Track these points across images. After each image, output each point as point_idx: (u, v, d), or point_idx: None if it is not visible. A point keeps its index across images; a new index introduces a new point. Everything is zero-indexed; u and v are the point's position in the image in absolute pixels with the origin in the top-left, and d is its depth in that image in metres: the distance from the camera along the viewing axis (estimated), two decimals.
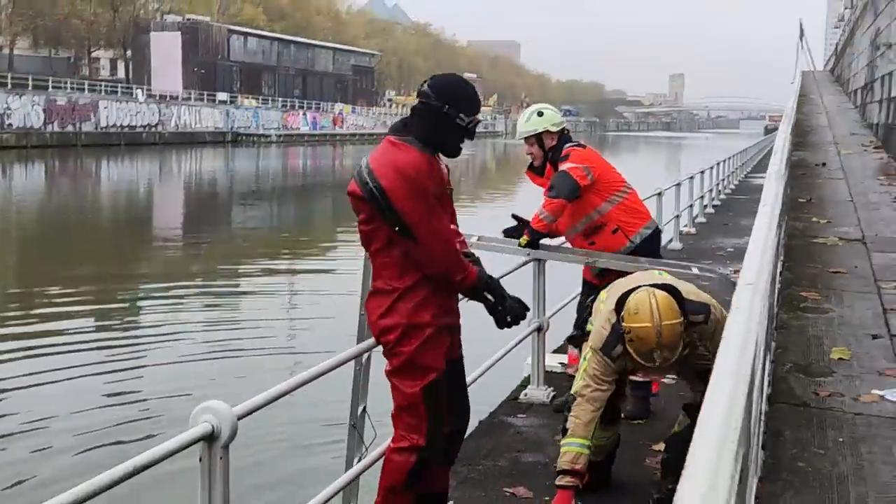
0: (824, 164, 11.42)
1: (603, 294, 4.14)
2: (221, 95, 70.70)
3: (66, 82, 56.35)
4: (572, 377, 5.54)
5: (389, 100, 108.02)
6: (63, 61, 71.84)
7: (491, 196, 31.63)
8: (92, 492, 2.10)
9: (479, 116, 3.47)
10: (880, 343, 4.78)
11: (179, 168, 47.79)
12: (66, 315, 11.65)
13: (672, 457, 3.93)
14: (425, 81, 3.52)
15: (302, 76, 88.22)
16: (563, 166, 5.02)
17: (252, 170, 46.74)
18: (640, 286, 3.63)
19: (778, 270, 5.58)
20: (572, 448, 3.75)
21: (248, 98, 74.24)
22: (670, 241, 12.14)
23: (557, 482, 3.78)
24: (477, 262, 3.56)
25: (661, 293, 3.52)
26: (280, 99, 78.78)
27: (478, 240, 5.09)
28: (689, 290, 3.74)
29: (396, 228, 3.23)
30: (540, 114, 5.25)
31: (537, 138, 5.20)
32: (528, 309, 3.65)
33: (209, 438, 2.45)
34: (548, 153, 5.21)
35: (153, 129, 59.56)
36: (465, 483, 4.45)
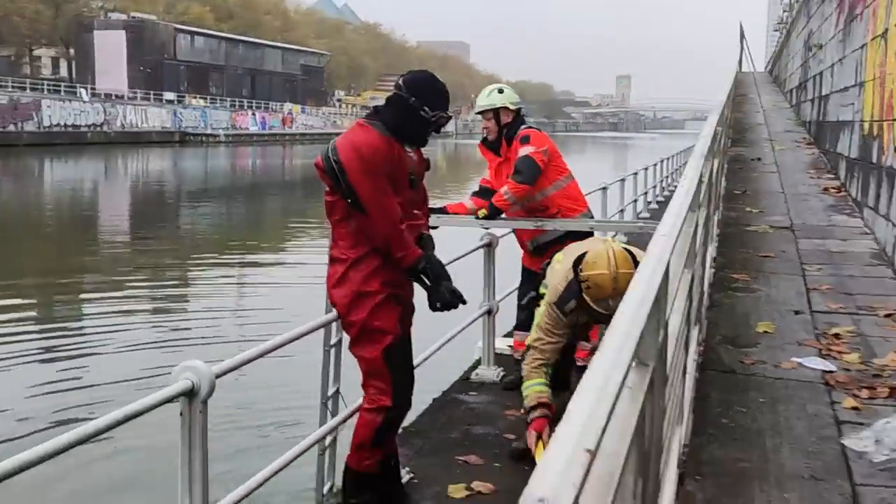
0: (759, 159, 11.92)
1: (559, 256, 4.44)
2: (169, 95, 70.05)
3: (6, 81, 55.41)
4: (519, 360, 5.88)
5: (339, 100, 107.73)
6: (3, 60, 70.57)
7: (441, 194, 31.92)
8: (76, 440, 2.29)
9: (449, 113, 3.76)
10: (801, 318, 5.19)
11: (126, 168, 47.23)
12: (8, 308, 11.61)
13: None
14: (402, 75, 3.83)
15: (250, 76, 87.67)
16: (526, 149, 5.32)
17: (200, 170, 46.35)
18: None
19: (712, 255, 5.97)
20: (533, 388, 4.10)
21: (195, 98, 73.65)
22: (615, 235, 12.53)
23: (529, 418, 4.11)
24: (427, 246, 3.83)
25: (617, 247, 3.87)
26: (228, 99, 78.21)
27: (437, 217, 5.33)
28: (640, 253, 4.08)
29: (349, 200, 3.52)
30: (500, 91, 5.57)
31: (495, 114, 5.49)
32: (461, 301, 3.85)
33: (189, 394, 2.71)
34: (503, 129, 5.50)
35: (98, 129, 58.78)
36: (419, 453, 4.73)
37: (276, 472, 3.43)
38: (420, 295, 3.91)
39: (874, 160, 7.18)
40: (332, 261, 3.71)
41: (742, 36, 22.10)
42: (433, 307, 3.82)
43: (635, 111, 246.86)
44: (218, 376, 2.77)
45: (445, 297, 3.76)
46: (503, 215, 5.61)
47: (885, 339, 4.78)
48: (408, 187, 3.76)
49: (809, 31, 15.40)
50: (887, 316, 5.17)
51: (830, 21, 11.60)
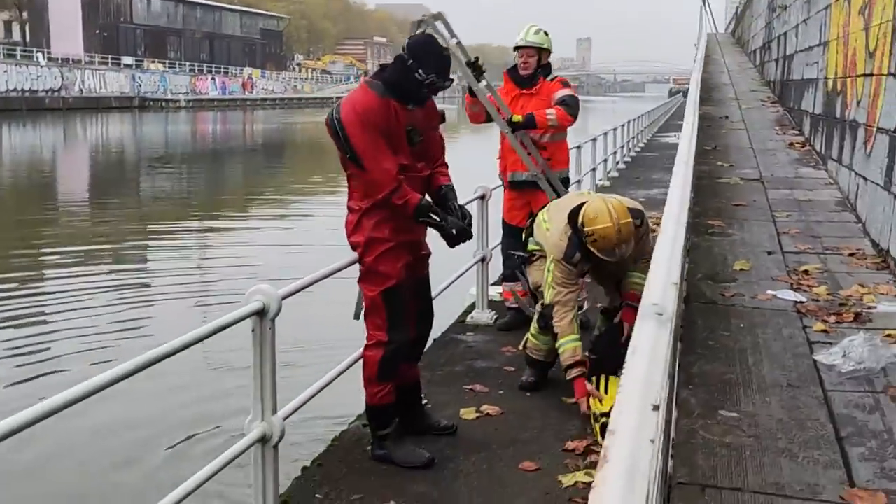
0: (727, 117, 12.43)
1: (543, 215, 4.84)
2: (127, 59, 69.19)
3: None
4: (511, 308, 6.33)
5: (298, 64, 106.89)
6: None
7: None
8: (166, 353, 2.68)
9: (451, 78, 4.07)
10: (774, 258, 5.68)
11: (85, 134, 46.67)
12: None
13: (599, 357, 4.58)
14: (409, 37, 4.14)
15: (209, 40, 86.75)
16: (568, 91, 5.75)
17: (161, 135, 45.90)
18: (587, 200, 4.37)
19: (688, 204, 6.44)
20: (568, 345, 4.42)
21: (154, 62, 72.79)
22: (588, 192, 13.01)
23: (569, 376, 4.43)
24: (448, 196, 4.13)
25: (613, 199, 4.27)
26: (188, 63, 77.42)
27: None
28: (632, 202, 4.50)
29: (348, 155, 3.86)
30: (546, 33, 5.97)
31: (538, 51, 5.87)
32: (470, 226, 4.14)
33: (260, 313, 3.10)
34: (539, 68, 5.87)
35: (56, 94, 58.01)
36: (430, 384, 5.15)
37: (330, 382, 3.89)
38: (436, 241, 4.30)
39: (838, 115, 7.67)
40: (349, 210, 4.06)
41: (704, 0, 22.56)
42: (451, 241, 4.16)
43: (596, 74, 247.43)
44: (284, 298, 3.16)
45: (458, 224, 4.05)
46: (527, 134, 5.85)
47: (849, 275, 5.29)
48: (406, 144, 4.01)
49: None
50: (851, 255, 5.68)
51: None
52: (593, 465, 4.10)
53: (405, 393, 4.32)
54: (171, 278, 11.58)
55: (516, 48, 5.95)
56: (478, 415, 4.73)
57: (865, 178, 6.22)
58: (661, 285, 1.43)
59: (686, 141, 3.03)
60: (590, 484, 3.88)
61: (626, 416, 1.06)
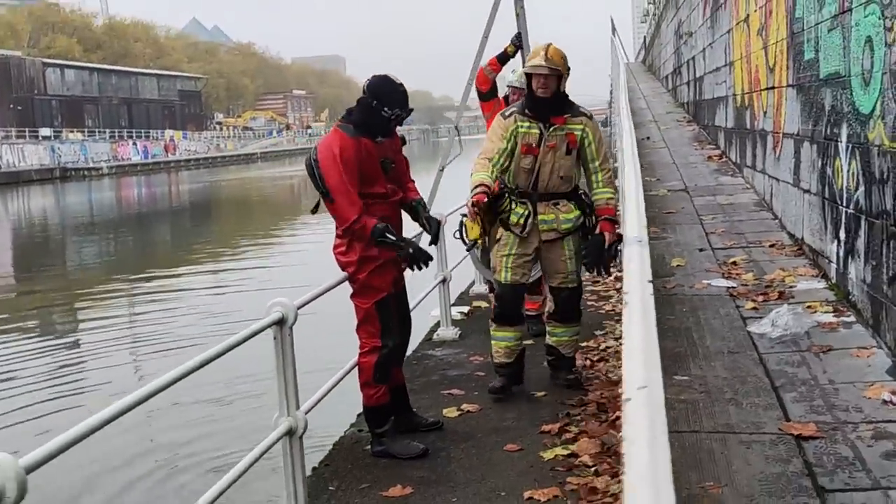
0: (648, 138, 13.27)
1: None
2: (44, 131, 68.32)
3: None
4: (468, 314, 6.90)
5: (219, 123, 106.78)
6: None
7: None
8: (200, 363, 3.15)
9: (411, 108, 4.62)
10: (705, 254, 6.38)
11: (6, 209, 45.83)
12: None
13: (592, 260, 4.98)
14: (367, 80, 4.66)
15: (127, 105, 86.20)
16: None
17: (85, 204, 45.13)
18: None
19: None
20: (477, 177, 4.90)
21: (73, 132, 72.06)
22: None
23: (472, 195, 4.86)
24: (419, 210, 4.73)
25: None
26: (107, 130, 76.78)
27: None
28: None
29: (321, 191, 4.37)
30: None
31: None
32: (428, 256, 4.66)
33: (280, 322, 3.61)
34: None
35: None
36: (411, 392, 5.62)
37: (338, 382, 4.46)
38: None
39: (748, 127, 8.48)
40: (339, 236, 4.55)
41: (613, 30, 23.68)
42: (409, 265, 4.71)
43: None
44: (299, 307, 3.67)
45: (409, 252, 4.54)
46: None
47: (771, 262, 6.00)
48: (382, 174, 4.57)
49: (679, 21, 16.95)
50: (771, 246, 6.40)
51: (698, 11, 13.05)
52: (569, 442, 4.67)
53: (395, 394, 4.83)
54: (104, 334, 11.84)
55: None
56: (459, 412, 5.27)
57: (778, 180, 6.97)
58: (637, 224, 2.00)
59: (630, 152, 3.69)
60: (567, 457, 4.48)
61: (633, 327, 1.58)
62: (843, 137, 4.97)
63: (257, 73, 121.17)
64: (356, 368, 4.75)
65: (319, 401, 4.18)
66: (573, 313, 5.32)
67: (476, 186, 4.88)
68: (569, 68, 4.97)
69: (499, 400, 5.50)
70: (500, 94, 6.64)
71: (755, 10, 7.87)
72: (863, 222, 4.59)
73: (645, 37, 56.76)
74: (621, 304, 4.81)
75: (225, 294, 15.16)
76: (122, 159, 72.86)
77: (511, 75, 6.70)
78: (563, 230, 5.04)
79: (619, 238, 4.99)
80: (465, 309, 7.87)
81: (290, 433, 3.67)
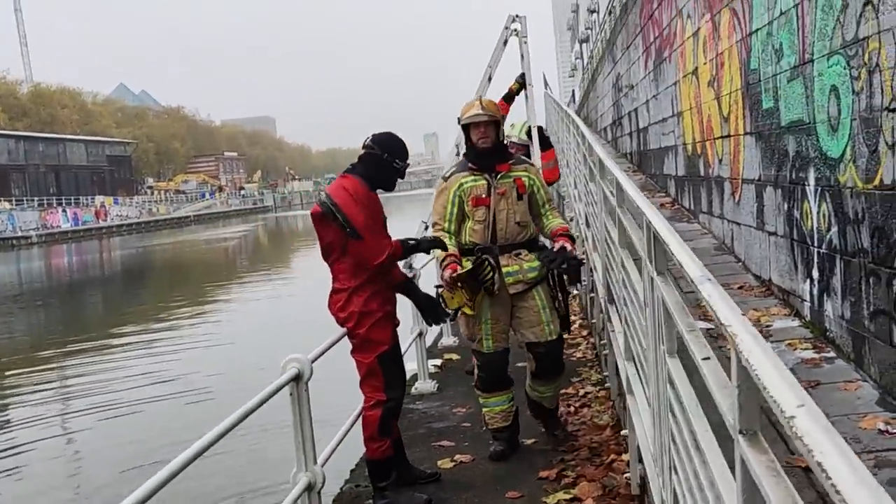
0: None
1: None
2: None
3: None
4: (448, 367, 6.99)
5: (150, 187, 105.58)
6: None
7: (266, 273, 31.89)
8: (228, 427, 3.19)
9: (409, 161, 4.81)
10: None
11: None
12: None
13: (559, 259, 4.93)
14: (368, 137, 4.77)
15: (55, 172, 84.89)
16: None
17: (13, 274, 44.06)
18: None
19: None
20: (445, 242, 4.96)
21: None
22: None
23: (443, 266, 5.00)
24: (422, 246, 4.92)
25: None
26: (35, 198, 75.40)
27: None
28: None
29: (347, 230, 4.44)
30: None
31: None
32: (446, 313, 5.01)
33: (296, 378, 3.64)
34: None
35: None
36: None
37: (348, 431, 4.62)
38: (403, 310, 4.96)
39: (701, 174, 8.78)
40: (336, 291, 4.63)
41: (546, 84, 24.25)
42: (428, 321, 4.92)
43: (444, 166, 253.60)
44: (313, 361, 3.71)
45: (431, 306, 4.86)
46: None
47: (742, 303, 6.19)
48: (385, 225, 4.78)
49: (618, 75, 17.48)
50: (739, 288, 6.61)
51: (639, 65, 13.49)
52: (569, 486, 4.76)
53: (396, 444, 4.87)
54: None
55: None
56: (453, 463, 5.33)
57: (739, 224, 7.22)
58: (694, 264, 2.11)
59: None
60: (570, 501, 4.56)
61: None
62: (811, 181, 5.22)
63: (187, 136, 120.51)
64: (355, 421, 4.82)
65: (332, 454, 4.20)
66: (555, 369, 5.22)
67: (445, 258, 4.97)
68: (503, 116, 5.20)
69: (487, 448, 5.56)
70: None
71: (704, 63, 8.21)
72: (838, 261, 4.80)
73: (574, 90, 58.01)
74: (601, 348, 4.96)
75: (160, 354, 15.14)
76: (52, 227, 71.51)
77: (511, 129, 6.93)
78: (530, 279, 5.02)
79: (579, 261, 5.14)
80: (438, 362, 7.95)
81: (309, 488, 3.69)
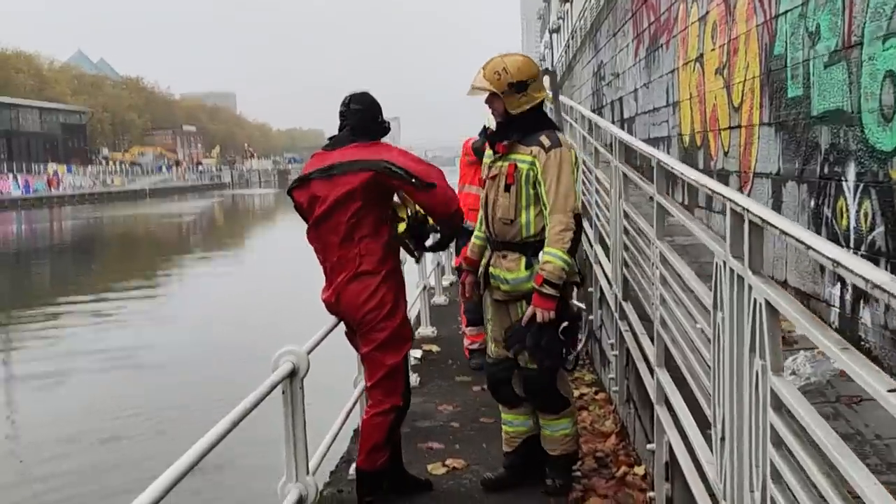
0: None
1: None
2: None
3: None
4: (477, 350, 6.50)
5: (105, 157, 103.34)
6: None
7: (221, 253, 31.16)
8: (223, 431, 2.64)
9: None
10: None
11: None
12: None
13: (511, 341, 4.15)
14: (347, 103, 4.23)
15: (7, 137, 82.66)
16: None
17: None
18: None
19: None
20: (472, 244, 4.44)
21: None
22: None
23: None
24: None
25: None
26: None
27: None
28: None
29: (414, 180, 3.90)
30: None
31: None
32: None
33: (291, 374, 3.10)
34: None
35: None
36: None
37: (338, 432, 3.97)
38: None
39: (700, 167, 8.34)
40: (361, 275, 3.97)
41: None
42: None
43: (411, 149, 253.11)
44: (309, 353, 3.16)
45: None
46: None
47: None
48: None
49: (600, 63, 17.02)
50: None
51: (627, 52, 13.03)
52: (578, 501, 4.28)
53: (393, 456, 4.35)
54: None
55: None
56: (445, 469, 4.83)
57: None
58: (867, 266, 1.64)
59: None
60: None
61: None
62: (850, 176, 4.78)
63: (145, 108, 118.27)
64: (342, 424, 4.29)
65: (321, 462, 3.66)
66: (540, 404, 4.28)
67: (465, 259, 4.46)
68: (517, 83, 4.04)
69: (483, 451, 5.08)
70: None
71: (713, 49, 7.76)
72: (883, 265, 4.37)
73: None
74: (592, 345, 4.50)
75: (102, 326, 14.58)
76: (2, 193, 69.60)
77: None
78: (505, 291, 4.15)
79: (564, 318, 3.98)
80: (418, 353, 7.44)
81: (300, 502, 3.15)
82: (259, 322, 14.05)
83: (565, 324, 4.01)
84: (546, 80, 5.38)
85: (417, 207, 4.08)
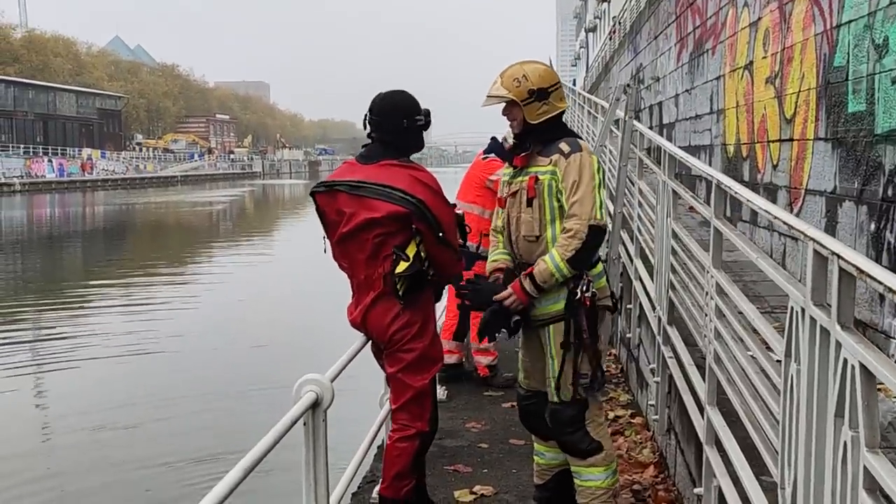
0: None
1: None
2: None
3: None
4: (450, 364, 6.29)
5: (139, 143, 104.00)
6: None
7: (249, 240, 31.02)
8: (242, 476, 2.35)
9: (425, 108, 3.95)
10: None
11: None
12: None
13: (474, 300, 3.89)
14: (371, 109, 3.89)
15: (43, 121, 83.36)
16: None
17: None
18: None
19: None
20: (490, 262, 3.95)
21: None
22: None
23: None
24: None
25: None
26: (21, 146, 73.96)
27: None
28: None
29: (440, 234, 3.68)
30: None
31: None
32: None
33: (314, 405, 2.83)
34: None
35: None
36: None
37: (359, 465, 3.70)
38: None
39: (745, 179, 8.01)
40: (382, 296, 3.75)
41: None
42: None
43: (438, 147, 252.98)
44: (332, 380, 2.89)
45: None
46: None
47: None
48: None
49: (639, 65, 16.66)
50: None
51: (669, 55, 12.67)
52: None
53: (418, 484, 4.11)
54: None
55: None
56: (473, 496, 4.57)
57: (795, 239, 6.45)
58: None
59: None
60: None
61: None
62: None
63: (180, 95, 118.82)
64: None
65: (344, 493, 3.39)
66: (570, 438, 3.81)
67: (493, 272, 3.92)
68: (539, 90, 3.70)
69: (512, 476, 4.81)
70: None
71: (764, 57, 7.43)
72: None
73: (574, 79, 57.08)
74: (628, 363, 4.18)
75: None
76: (37, 176, 70.22)
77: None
78: (534, 317, 3.77)
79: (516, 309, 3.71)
80: (443, 394, 7.12)
81: None
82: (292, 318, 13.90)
83: (517, 318, 3.75)
84: (622, 98, 4.86)
85: (423, 253, 3.74)
